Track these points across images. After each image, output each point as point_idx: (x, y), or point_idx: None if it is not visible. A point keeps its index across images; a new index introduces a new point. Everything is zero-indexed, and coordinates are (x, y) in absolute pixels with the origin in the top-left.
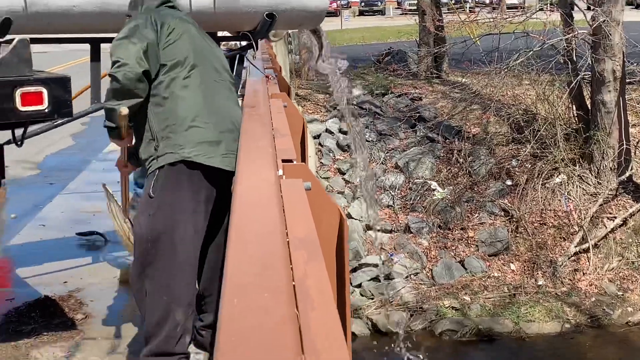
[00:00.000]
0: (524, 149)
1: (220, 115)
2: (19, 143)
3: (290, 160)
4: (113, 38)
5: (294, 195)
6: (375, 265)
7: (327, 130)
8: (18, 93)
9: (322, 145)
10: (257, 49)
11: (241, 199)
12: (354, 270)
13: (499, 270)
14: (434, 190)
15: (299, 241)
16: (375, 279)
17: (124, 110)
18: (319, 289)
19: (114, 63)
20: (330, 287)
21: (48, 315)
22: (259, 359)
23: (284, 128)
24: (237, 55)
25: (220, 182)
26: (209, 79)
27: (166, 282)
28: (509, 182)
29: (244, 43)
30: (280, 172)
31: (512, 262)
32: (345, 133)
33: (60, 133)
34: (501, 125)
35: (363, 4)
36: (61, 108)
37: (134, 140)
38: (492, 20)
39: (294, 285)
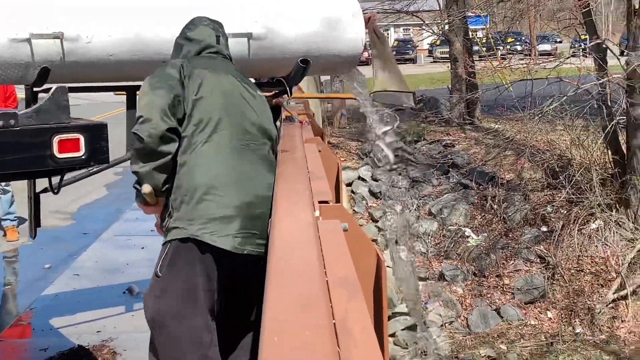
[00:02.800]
0: (559, 195)
1: (241, 187)
2: (55, 191)
3: (327, 202)
4: None
5: (331, 235)
6: (409, 314)
7: (359, 178)
8: (55, 140)
9: (354, 193)
10: (290, 95)
11: (280, 239)
12: (387, 319)
13: (536, 318)
14: (468, 237)
15: (338, 280)
16: (410, 328)
17: (147, 189)
18: (360, 326)
19: (137, 119)
20: (372, 325)
21: None
22: None
23: (319, 171)
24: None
25: (238, 263)
26: (236, 143)
27: None
28: (544, 229)
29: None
30: (317, 213)
31: (549, 310)
32: (377, 180)
33: (94, 183)
34: (535, 171)
35: (395, 52)
36: (98, 155)
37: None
38: (525, 65)
39: (334, 323)
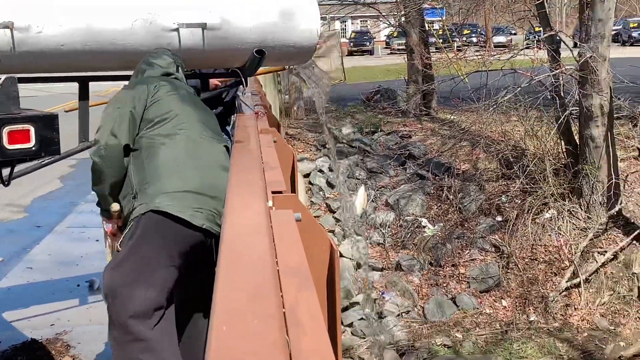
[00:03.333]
0: (513, 185)
1: (203, 170)
2: (6, 183)
3: (280, 192)
4: (102, 76)
5: (284, 225)
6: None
7: (317, 169)
8: (5, 131)
9: (312, 184)
10: (246, 85)
11: (231, 229)
12: (345, 309)
13: (491, 306)
14: (424, 227)
15: (289, 269)
16: (366, 318)
17: (115, 207)
18: (310, 315)
19: (94, 141)
20: (321, 313)
21: (34, 359)
22: None
23: (274, 161)
24: (227, 92)
25: (197, 239)
26: (195, 136)
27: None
28: (499, 218)
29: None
30: (270, 203)
31: (503, 298)
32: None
33: (48, 175)
34: (490, 162)
35: (352, 44)
36: (49, 146)
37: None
38: (479, 57)
39: (284, 312)
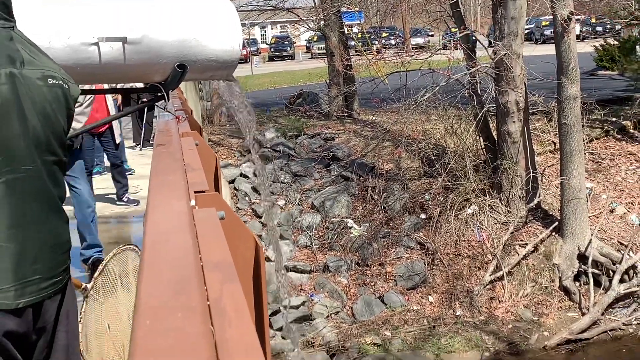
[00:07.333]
0: (435, 183)
1: (21, 228)
2: None
3: (203, 191)
4: None
5: (207, 223)
6: (296, 307)
7: (241, 175)
8: None
9: (237, 190)
10: (168, 100)
11: (152, 228)
12: (275, 313)
13: (418, 303)
14: (350, 228)
15: (213, 265)
16: (296, 320)
17: None
18: (234, 307)
19: None
20: (246, 304)
21: None
22: None
23: (196, 163)
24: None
25: (23, 314)
26: (14, 174)
27: None
28: (423, 216)
29: None
30: (193, 202)
31: (430, 295)
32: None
33: None
34: (413, 161)
35: (272, 49)
36: None
37: None
38: (398, 58)
39: (209, 305)
